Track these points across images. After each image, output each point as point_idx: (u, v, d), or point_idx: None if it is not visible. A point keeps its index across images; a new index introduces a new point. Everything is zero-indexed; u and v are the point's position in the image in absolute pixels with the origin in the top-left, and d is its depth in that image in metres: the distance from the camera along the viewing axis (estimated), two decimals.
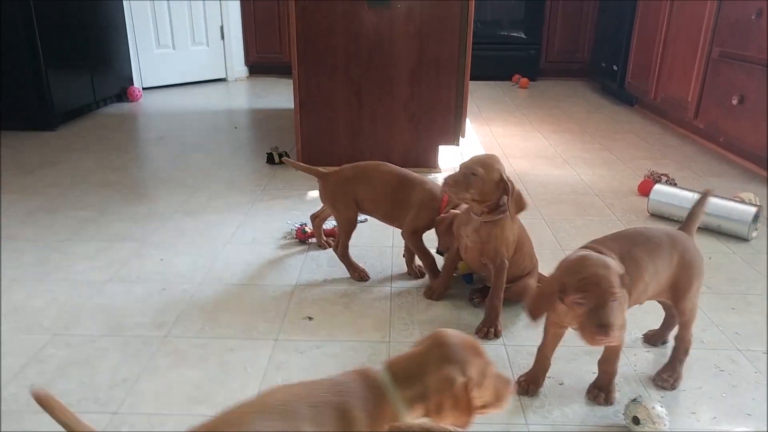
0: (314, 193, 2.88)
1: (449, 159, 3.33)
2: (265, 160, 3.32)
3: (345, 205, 2.06)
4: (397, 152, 3.16)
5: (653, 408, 1.40)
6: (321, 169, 2.10)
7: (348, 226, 2.08)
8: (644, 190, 2.87)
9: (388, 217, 2.10)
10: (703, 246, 2.34)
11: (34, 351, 1.68)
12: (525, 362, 1.66)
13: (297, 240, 2.36)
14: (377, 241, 2.38)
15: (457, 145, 3.14)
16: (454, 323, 1.85)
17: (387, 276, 2.11)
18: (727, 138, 3.40)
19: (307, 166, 2.14)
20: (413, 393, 1.07)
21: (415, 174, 2.07)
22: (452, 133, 3.12)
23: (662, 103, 4.20)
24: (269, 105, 4.88)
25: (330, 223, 2.40)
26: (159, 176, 3.11)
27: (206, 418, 1.03)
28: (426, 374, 1.09)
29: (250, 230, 2.46)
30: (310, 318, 1.85)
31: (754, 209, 2.38)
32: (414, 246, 2.06)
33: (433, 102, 3.05)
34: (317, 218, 2.28)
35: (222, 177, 3.10)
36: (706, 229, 2.48)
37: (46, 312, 1.87)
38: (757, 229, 2.44)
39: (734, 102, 3.20)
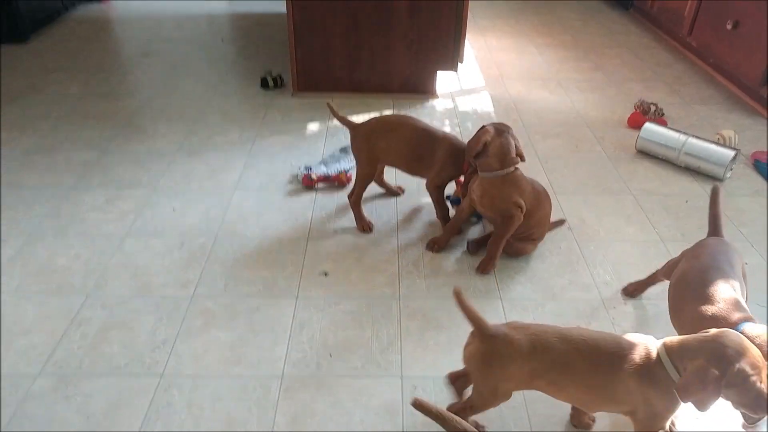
0: (314, 126, 2.92)
1: (447, 84, 3.34)
2: (260, 85, 3.29)
3: (367, 160, 2.16)
4: (396, 79, 3.16)
5: None
6: (349, 121, 2.18)
7: (365, 180, 2.19)
8: (633, 122, 2.97)
9: (412, 170, 2.19)
10: (682, 188, 2.52)
11: (71, 314, 1.82)
12: (518, 316, 1.86)
13: (303, 186, 2.45)
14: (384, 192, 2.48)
15: (456, 70, 3.14)
16: (456, 273, 2.02)
17: (393, 227, 2.25)
18: (716, 61, 3.44)
19: (342, 116, 2.19)
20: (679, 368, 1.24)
21: (439, 130, 2.14)
22: (450, 59, 3.10)
23: (658, 12, 4.15)
24: (253, 8, 4.67)
25: (335, 168, 2.49)
26: (153, 106, 3.09)
27: (243, 378, 1.20)
28: (690, 359, 1.22)
29: (256, 173, 2.53)
30: (325, 273, 2.00)
31: (731, 153, 2.52)
32: (435, 198, 2.19)
33: (432, 28, 3.00)
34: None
35: (218, 107, 3.09)
36: (687, 169, 2.62)
37: (73, 271, 1.99)
38: (732, 169, 2.59)
39: (728, 27, 3.20)
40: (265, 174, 2.53)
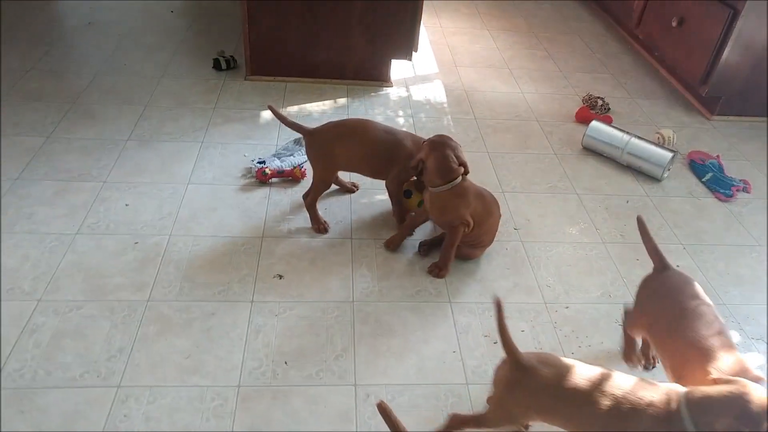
0: (267, 115, 2.89)
1: (401, 71, 3.35)
2: (212, 66, 3.21)
3: (324, 168, 2.16)
4: (351, 65, 3.14)
5: None
6: (302, 127, 2.15)
7: (322, 187, 2.21)
8: (581, 117, 3.08)
9: (374, 175, 2.24)
10: (624, 187, 2.66)
11: (23, 321, 1.81)
12: (466, 320, 1.96)
13: (257, 180, 2.45)
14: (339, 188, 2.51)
15: (410, 59, 3.15)
16: (408, 276, 2.10)
17: (347, 226, 2.29)
18: (661, 55, 3.56)
19: (292, 121, 2.15)
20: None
21: (399, 130, 2.18)
22: (406, 47, 3.10)
23: (610, 0, 4.23)
24: None
25: (288, 163, 2.49)
26: (101, 85, 2.98)
27: (200, 388, 1.26)
28: (716, 415, 1.21)
29: (208, 165, 2.51)
30: (280, 276, 2.05)
31: (670, 155, 2.66)
32: (395, 196, 2.23)
33: (389, 15, 2.99)
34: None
35: (169, 89, 3.01)
36: (629, 168, 2.76)
37: (22, 273, 1.96)
38: (669, 170, 2.74)
39: (674, 23, 3.31)
40: (218, 166, 2.52)
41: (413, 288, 2.06)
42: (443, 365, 1.81)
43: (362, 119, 2.20)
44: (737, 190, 2.66)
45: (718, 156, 2.83)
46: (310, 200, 2.23)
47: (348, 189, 2.45)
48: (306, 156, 2.27)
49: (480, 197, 2.07)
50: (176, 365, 1.74)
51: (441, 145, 1.98)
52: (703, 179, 2.73)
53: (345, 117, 2.92)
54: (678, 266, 2.23)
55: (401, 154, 2.14)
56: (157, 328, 1.83)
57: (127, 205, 2.27)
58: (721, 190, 2.65)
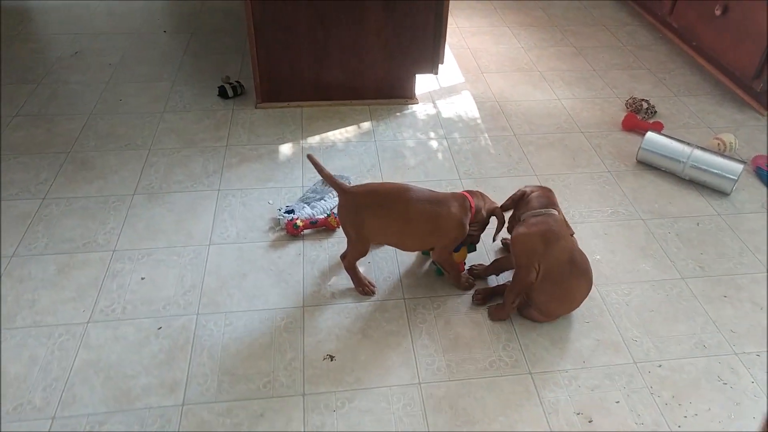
0: (286, 149, 2.59)
1: (425, 86, 3.05)
2: (217, 93, 2.89)
3: (356, 235, 1.86)
4: (370, 83, 2.84)
5: None
6: (337, 182, 1.83)
7: (358, 253, 1.91)
8: (628, 125, 2.79)
9: (411, 248, 1.97)
10: (690, 206, 2.39)
11: None
12: (552, 395, 1.70)
13: (287, 233, 2.16)
14: None
15: (436, 73, 2.85)
16: (476, 341, 1.83)
17: (396, 282, 2.01)
18: (700, 44, 3.27)
19: (330, 174, 1.82)
20: None
21: (443, 195, 1.87)
22: (430, 60, 2.80)
23: None
24: None
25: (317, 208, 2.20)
26: (97, 128, 2.66)
27: None
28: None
29: (229, 218, 2.22)
30: (331, 358, 1.77)
31: (740, 166, 2.38)
32: (447, 265, 1.95)
33: (410, 27, 2.67)
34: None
35: (173, 126, 2.70)
36: (691, 182, 2.48)
37: (31, 382, 1.66)
38: (737, 181, 2.47)
39: (717, 12, 3.02)
40: (241, 219, 2.22)
41: (485, 359, 1.79)
42: None
43: (402, 186, 1.85)
44: None
45: None
46: (349, 261, 1.94)
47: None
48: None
49: (566, 251, 1.80)
50: None
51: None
52: None
53: (371, 143, 2.63)
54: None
55: (448, 225, 1.84)
56: None
57: (143, 278, 1.97)
58: None
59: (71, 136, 2.61)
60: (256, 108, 2.83)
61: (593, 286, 1.95)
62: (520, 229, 1.85)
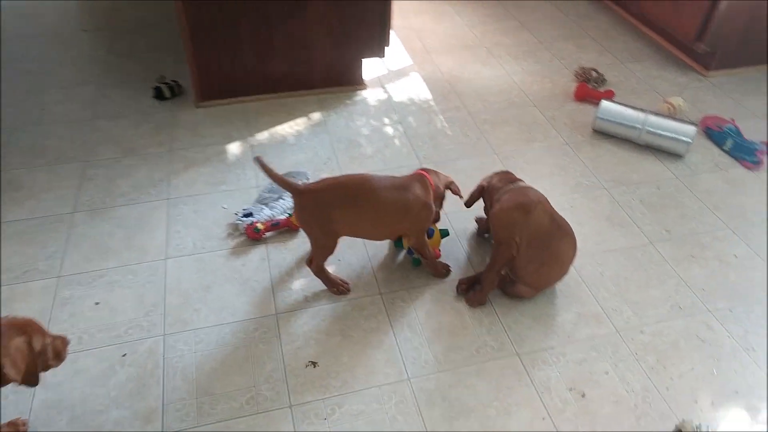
0: (234, 148, 2.45)
1: (374, 72, 2.95)
2: (152, 95, 2.70)
3: (322, 233, 1.76)
4: (317, 72, 2.72)
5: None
6: (291, 182, 1.70)
7: (324, 253, 1.81)
8: (580, 95, 2.79)
9: (382, 238, 1.90)
10: (648, 172, 2.41)
11: None
12: (542, 374, 1.67)
13: (248, 238, 2.04)
14: None
15: (383, 56, 2.75)
16: (459, 328, 1.78)
17: (371, 277, 1.93)
18: (640, 11, 3.31)
19: (280, 176, 1.69)
20: None
21: (405, 180, 1.80)
22: (377, 43, 2.70)
23: None
24: None
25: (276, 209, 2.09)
26: (20, 143, 2.43)
27: None
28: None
29: (184, 228, 2.07)
30: (314, 364, 1.68)
31: (693, 128, 2.42)
32: (424, 249, 1.88)
33: (354, 11, 2.56)
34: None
35: (106, 134, 2.50)
36: (648, 148, 2.51)
37: None
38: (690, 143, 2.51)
39: None
40: (196, 228, 2.08)
41: (471, 345, 1.74)
42: None
43: (362, 177, 1.76)
44: (762, 155, 2.46)
45: (732, 120, 2.62)
46: (317, 264, 1.83)
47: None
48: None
49: (546, 214, 1.79)
50: None
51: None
52: (724, 147, 2.52)
53: (324, 135, 2.52)
54: (735, 256, 2.05)
55: (416, 209, 1.77)
56: None
57: (97, 303, 1.81)
58: (747, 158, 2.45)
59: None
60: (197, 108, 2.66)
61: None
62: (495, 208, 1.81)
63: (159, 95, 2.68)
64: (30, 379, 1.32)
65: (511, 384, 1.65)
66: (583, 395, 1.63)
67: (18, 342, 1.29)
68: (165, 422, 1.53)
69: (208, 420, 1.53)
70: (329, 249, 1.81)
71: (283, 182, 1.70)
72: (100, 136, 2.49)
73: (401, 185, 1.78)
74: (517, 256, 1.78)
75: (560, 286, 1.92)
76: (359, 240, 2.03)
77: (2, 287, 1.84)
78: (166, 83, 2.69)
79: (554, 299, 1.88)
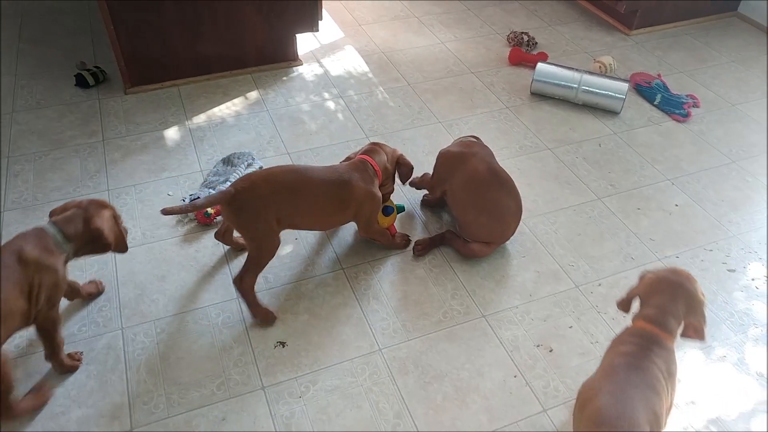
0: (173, 132, 2.35)
1: (307, 47, 2.88)
2: (74, 83, 2.54)
3: (265, 233, 1.63)
4: (250, 51, 2.63)
5: None
6: (219, 193, 1.59)
7: (267, 256, 1.67)
8: (515, 58, 2.84)
9: (327, 228, 1.85)
10: (588, 130, 2.49)
11: None
12: (509, 333, 1.71)
13: (199, 224, 1.97)
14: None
15: (317, 30, 2.69)
16: (424, 296, 1.79)
17: (332, 255, 1.91)
18: None
19: (203, 201, 1.57)
20: None
21: (341, 167, 1.76)
22: (309, 17, 2.64)
23: None
24: None
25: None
26: None
27: None
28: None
29: (130, 219, 1.97)
30: (282, 344, 1.65)
31: (626, 85, 2.52)
32: (377, 235, 1.86)
33: None
34: (225, 233, 1.84)
35: (29, 127, 2.33)
36: (585, 107, 2.59)
37: None
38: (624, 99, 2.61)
39: None
40: (143, 218, 1.98)
41: (437, 311, 1.76)
42: (511, 397, 1.56)
43: (293, 166, 1.72)
44: (689, 107, 2.60)
45: (659, 75, 2.74)
46: (249, 282, 1.67)
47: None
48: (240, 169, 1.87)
49: (484, 162, 1.86)
50: None
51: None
52: (655, 102, 2.63)
53: (264, 113, 2.46)
54: (676, 205, 2.16)
55: (358, 201, 1.73)
56: None
57: None
58: (676, 111, 2.58)
59: None
60: (126, 94, 2.52)
61: (523, 222, 1.98)
62: (442, 149, 1.95)
63: (82, 83, 2.52)
64: (120, 246, 1.54)
65: (481, 346, 1.68)
66: (551, 350, 1.69)
67: (107, 213, 1.52)
68: (133, 417, 1.46)
69: (179, 410, 1.48)
70: (271, 252, 1.67)
71: (208, 202, 1.58)
72: (22, 129, 2.32)
73: (339, 179, 1.71)
74: (453, 200, 1.89)
75: (517, 247, 1.96)
76: None
77: None
78: (88, 70, 2.53)
79: (512, 260, 1.93)
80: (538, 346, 1.69)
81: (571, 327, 1.75)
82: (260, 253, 1.65)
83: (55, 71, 2.64)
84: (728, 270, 1.94)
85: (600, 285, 1.87)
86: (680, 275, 1.33)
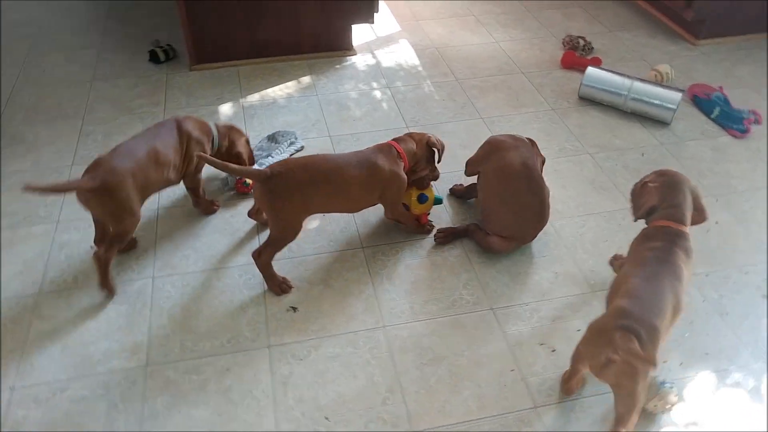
0: (226, 108, 2.52)
1: (362, 35, 2.99)
2: (148, 58, 2.77)
3: (295, 216, 1.75)
4: (307, 38, 2.77)
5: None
6: (255, 170, 1.72)
7: (288, 239, 1.78)
8: (568, 62, 2.83)
9: (355, 210, 1.92)
10: (633, 138, 2.45)
11: None
12: (515, 328, 1.74)
13: (238, 193, 2.12)
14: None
15: (372, 22, 2.80)
16: (437, 281, 1.85)
17: (354, 232, 2.00)
18: None
19: (239, 167, 1.72)
20: None
21: (367, 152, 1.84)
22: (366, 9, 2.75)
23: None
24: None
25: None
26: (21, 102, 2.51)
27: None
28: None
29: None
30: (294, 309, 1.76)
31: (678, 95, 2.46)
32: (402, 217, 1.94)
33: None
34: (258, 212, 1.97)
35: (105, 95, 2.57)
36: (634, 115, 2.55)
37: None
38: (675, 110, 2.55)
39: None
40: None
41: (447, 298, 1.81)
42: (504, 389, 1.60)
43: (325, 155, 1.83)
44: (749, 123, 2.50)
45: (720, 87, 2.65)
46: (266, 258, 1.79)
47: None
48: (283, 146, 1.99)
49: (521, 157, 1.90)
50: None
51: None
52: (712, 116, 2.55)
53: (314, 97, 2.58)
54: (716, 223, 2.08)
55: (382, 180, 1.81)
56: (166, 400, 1.53)
57: (92, 246, 1.90)
58: (734, 126, 2.49)
59: None
60: (190, 70, 2.72)
61: (549, 222, 1.99)
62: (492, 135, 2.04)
63: (154, 58, 2.75)
64: (251, 160, 2.05)
65: (484, 336, 1.72)
66: (554, 350, 1.70)
67: (243, 140, 2.01)
68: (150, 355, 1.62)
69: (190, 355, 1.62)
70: (293, 236, 1.78)
71: (247, 172, 1.74)
72: (98, 96, 2.56)
73: (365, 160, 1.80)
74: (482, 184, 1.95)
75: (540, 247, 1.98)
76: None
77: (4, 231, 1.94)
78: (161, 47, 2.75)
79: (533, 259, 1.95)
80: (541, 344, 1.71)
81: (579, 330, 1.74)
82: (283, 234, 1.76)
83: (133, 47, 2.88)
84: (762, 296, 1.87)
85: None
86: (676, 175, 1.62)
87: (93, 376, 1.57)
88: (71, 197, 2.02)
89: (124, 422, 1.48)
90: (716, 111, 2.55)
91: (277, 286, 1.80)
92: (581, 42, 2.95)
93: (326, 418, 1.51)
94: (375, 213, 2.07)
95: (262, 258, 1.76)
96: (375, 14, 2.79)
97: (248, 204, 2.06)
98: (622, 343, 1.28)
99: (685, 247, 1.52)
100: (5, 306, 1.72)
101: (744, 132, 2.47)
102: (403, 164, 1.86)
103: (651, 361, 1.28)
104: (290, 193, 1.69)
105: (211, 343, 1.66)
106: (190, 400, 1.53)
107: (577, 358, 1.51)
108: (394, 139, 1.92)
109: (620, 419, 1.39)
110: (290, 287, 1.81)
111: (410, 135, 1.95)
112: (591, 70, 2.58)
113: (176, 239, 1.94)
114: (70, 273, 1.82)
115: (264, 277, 1.79)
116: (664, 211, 1.58)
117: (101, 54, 2.83)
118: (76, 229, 1.96)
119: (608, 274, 1.89)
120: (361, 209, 1.95)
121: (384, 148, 1.85)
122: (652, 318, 1.35)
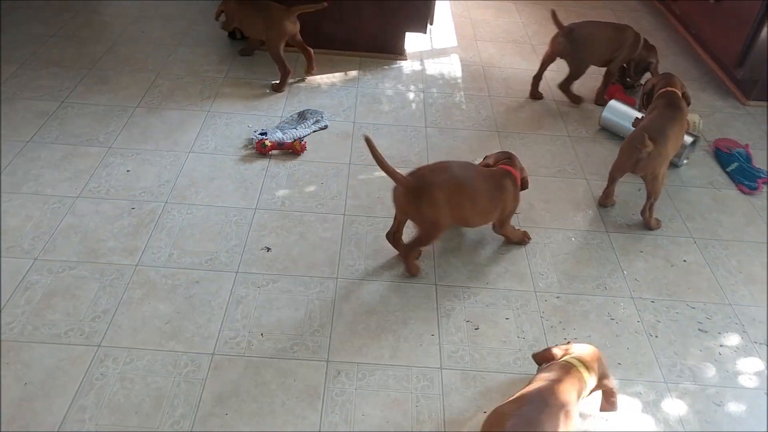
0: (277, 83, 2.89)
1: (418, 44, 3.28)
2: (227, 35, 3.21)
3: (437, 221, 1.90)
4: (363, 38, 3.10)
5: None
6: (399, 174, 1.86)
7: (432, 239, 1.97)
8: (611, 95, 2.91)
9: (478, 222, 2.06)
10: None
11: (19, 278, 1.88)
12: (450, 304, 1.93)
13: (257, 152, 2.46)
14: (335, 157, 2.49)
15: (425, 32, 3.08)
16: (395, 257, 2.07)
17: (342, 202, 2.28)
18: (698, 32, 3.37)
19: (388, 166, 1.85)
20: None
21: (490, 172, 2.02)
22: (421, 20, 3.03)
23: None
24: None
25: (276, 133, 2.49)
26: (118, 53, 3.03)
27: (176, 354, 1.32)
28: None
29: (212, 134, 2.53)
30: (268, 249, 2.06)
31: (689, 139, 2.52)
32: (510, 233, 2.12)
33: None
34: (395, 234, 2.03)
35: (183, 58, 3.04)
36: None
37: (24, 232, 2.03)
38: (688, 158, 2.60)
39: None
40: (221, 136, 2.53)
41: (400, 268, 2.03)
42: (419, 347, 1.80)
43: (462, 162, 2.03)
44: (763, 183, 2.51)
45: (746, 145, 2.67)
46: (414, 254, 2.01)
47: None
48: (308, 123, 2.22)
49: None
50: (156, 329, 1.78)
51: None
52: (728, 169, 2.58)
53: (353, 89, 2.90)
54: (684, 261, 2.15)
55: (507, 197, 2.00)
56: (142, 293, 1.88)
57: (128, 171, 2.31)
58: (746, 182, 2.50)
59: (95, 57, 2.98)
60: (257, 50, 3.13)
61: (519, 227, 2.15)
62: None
63: (232, 35, 3.19)
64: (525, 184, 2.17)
65: (419, 304, 1.93)
66: (477, 328, 1.87)
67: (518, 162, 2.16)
68: (141, 258, 1.98)
69: (173, 265, 1.96)
70: (437, 236, 1.97)
71: (389, 171, 1.85)
72: (177, 58, 3.03)
73: (499, 183, 1.99)
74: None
75: (502, 246, 2.15)
76: (343, 171, 2.39)
77: (70, 146, 2.40)
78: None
79: (489, 254, 2.12)
80: (467, 321, 1.89)
81: (507, 319, 1.91)
82: (427, 235, 1.95)
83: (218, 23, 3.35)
84: (700, 329, 1.93)
85: (558, 298, 1.99)
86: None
87: (95, 264, 1.95)
88: (128, 131, 2.47)
89: (106, 301, 1.84)
90: (733, 165, 2.58)
91: (411, 270, 2.00)
92: (629, 80, 3.04)
93: (261, 334, 1.79)
94: (366, 188, 2.33)
95: (410, 254, 1.99)
96: (429, 26, 3.06)
97: (262, 163, 2.40)
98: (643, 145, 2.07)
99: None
100: (51, 201, 2.16)
101: (754, 189, 2.48)
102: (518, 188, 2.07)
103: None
104: (435, 198, 1.86)
105: (191, 260, 1.99)
106: (160, 297, 1.87)
107: (614, 171, 2.26)
108: (504, 164, 2.05)
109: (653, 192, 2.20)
110: (419, 271, 2.02)
111: (515, 160, 2.09)
112: (613, 102, 2.70)
113: (194, 178, 2.31)
114: (105, 187, 2.24)
115: (404, 260, 2.00)
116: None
117: (192, 25, 3.33)
118: (121, 155, 2.39)
119: (556, 281, 2.04)
120: (480, 225, 2.08)
121: (511, 175, 2.02)
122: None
